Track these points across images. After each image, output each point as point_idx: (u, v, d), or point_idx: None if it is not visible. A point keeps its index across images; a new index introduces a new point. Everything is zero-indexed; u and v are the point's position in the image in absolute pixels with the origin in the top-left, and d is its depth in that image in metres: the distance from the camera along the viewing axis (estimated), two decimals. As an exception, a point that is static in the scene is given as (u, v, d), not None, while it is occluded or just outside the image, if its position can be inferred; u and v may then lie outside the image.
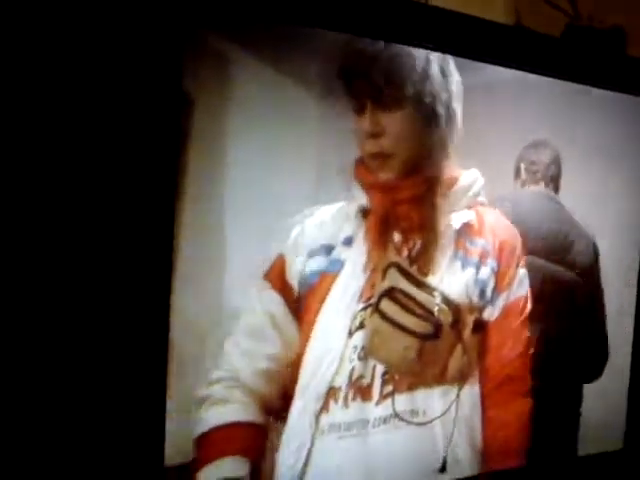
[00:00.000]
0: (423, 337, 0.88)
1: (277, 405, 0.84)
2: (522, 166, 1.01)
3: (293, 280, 0.85)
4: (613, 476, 1.09)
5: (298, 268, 0.86)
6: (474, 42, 0.90)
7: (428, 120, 0.89)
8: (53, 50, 0.67)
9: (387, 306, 0.87)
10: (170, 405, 0.74)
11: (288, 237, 0.84)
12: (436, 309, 0.89)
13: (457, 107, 0.91)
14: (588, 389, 1.04)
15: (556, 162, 1.01)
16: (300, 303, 0.86)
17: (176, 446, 0.75)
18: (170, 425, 0.74)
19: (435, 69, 0.88)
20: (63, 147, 0.68)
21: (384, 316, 0.87)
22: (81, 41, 0.67)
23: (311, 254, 0.86)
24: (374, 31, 0.82)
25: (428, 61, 0.88)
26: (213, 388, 0.80)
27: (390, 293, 0.87)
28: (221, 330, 0.79)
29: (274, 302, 0.84)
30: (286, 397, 0.84)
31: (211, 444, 0.79)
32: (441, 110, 0.89)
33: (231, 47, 0.75)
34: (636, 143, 1.09)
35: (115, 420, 0.70)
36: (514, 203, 0.99)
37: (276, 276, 0.85)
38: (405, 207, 0.89)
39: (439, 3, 0.96)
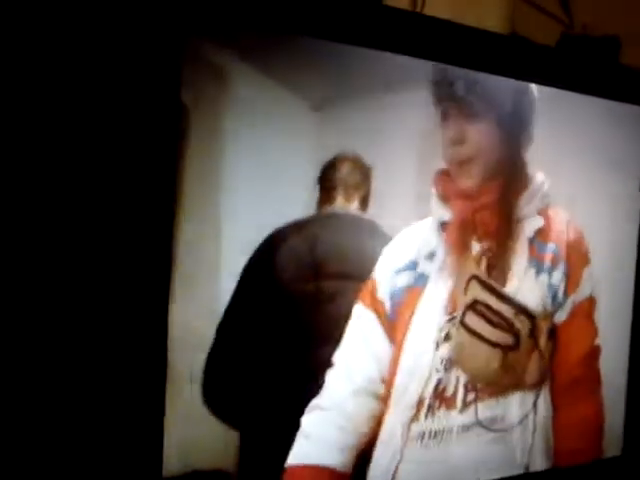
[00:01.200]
0: (505, 348, 0.91)
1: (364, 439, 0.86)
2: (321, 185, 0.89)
3: (383, 294, 0.88)
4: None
5: (387, 284, 0.88)
6: (470, 52, 0.91)
7: (508, 131, 0.93)
8: (50, 58, 0.67)
9: (471, 319, 0.90)
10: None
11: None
12: (515, 319, 0.92)
13: (533, 118, 0.95)
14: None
15: (364, 178, 0.91)
16: (391, 319, 0.88)
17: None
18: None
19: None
20: (61, 154, 0.68)
21: (469, 329, 0.90)
22: (79, 50, 0.67)
23: (399, 271, 0.89)
24: (369, 40, 0.82)
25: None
26: (311, 417, 0.82)
27: (473, 306, 0.90)
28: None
29: (368, 318, 0.87)
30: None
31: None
32: (520, 121, 0.94)
33: (228, 56, 0.75)
34: (628, 149, 1.10)
35: (113, 425, 0.70)
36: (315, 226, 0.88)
37: (367, 296, 0.87)
38: (483, 214, 0.92)
39: (434, 13, 0.97)
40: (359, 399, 0.86)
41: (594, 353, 1.02)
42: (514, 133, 0.94)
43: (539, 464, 0.96)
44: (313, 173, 0.83)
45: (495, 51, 0.94)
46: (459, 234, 0.91)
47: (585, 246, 1.01)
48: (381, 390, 0.88)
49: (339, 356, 0.84)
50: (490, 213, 0.92)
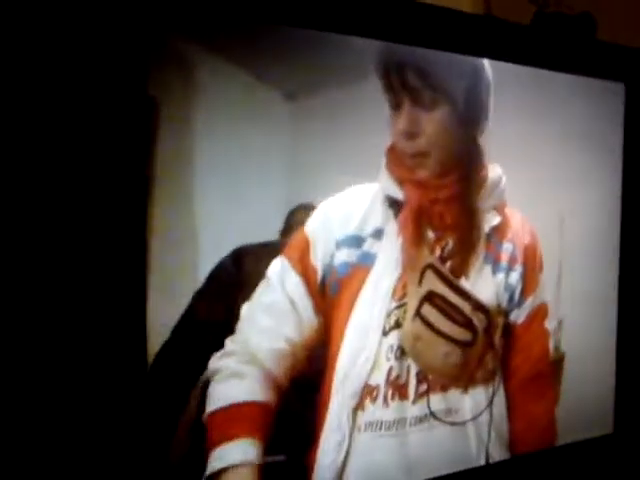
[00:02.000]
0: (462, 344, 0.90)
1: (287, 389, 0.84)
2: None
3: (317, 263, 0.85)
4: (604, 461, 1.09)
5: (325, 254, 0.85)
6: (444, 33, 0.89)
7: (464, 120, 0.90)
8: (16, 54, 0.65)
9: (428, 312, 0.88)
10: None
11: (314, 219, 0.83)
12: (473, 315, 0.91)
13: (489, 103, 0.93)
14: (575, 374, 1.04)
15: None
16: (329, 292, 0.86)
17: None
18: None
19: (471, 66, 0.91)
20: (26, 152, 0.66)
21: (426, 322, 0.88)
22: (46, 45, 0.66)
23: (340, 244, 0.86)
24: (339, 25, 0.81)
25: (465, 59, 0.90)
26: (227, 361, 0.79)
27: (430, 298, 0.89)
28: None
29: (295, 285, 0.84)
30: (296, 382, 0.84)
31: (225, 422, 0.79)
32: (477, 108, 0.91)
33: (197, 48, 0.73)
34: (606, 125, 1.10)
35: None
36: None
37: (298, 257, 0.84)
38: (440, 206, 0.90)
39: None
40: (275, 355, 0.82)
41: (548, 352, 1.02)
42: (472, 122, 0.92)
43: (497, 457, 0.96)
44: (287, 162, 0.82)
45: (470, 32, 0.93)
46: (414, 221, 0.88)
47: (540, 251, 1.00)
48: (300, 355, 0.84)
49: (259, 306, 0.81)
50: (447, 206, 0.90)
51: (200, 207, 0.75)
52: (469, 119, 0.91)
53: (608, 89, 1.10)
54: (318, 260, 0.85)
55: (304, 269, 0.84)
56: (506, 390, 0.96)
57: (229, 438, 0.79)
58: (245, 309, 0.80)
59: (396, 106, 0.87)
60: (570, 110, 1.05)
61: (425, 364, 0.89)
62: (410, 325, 0.88)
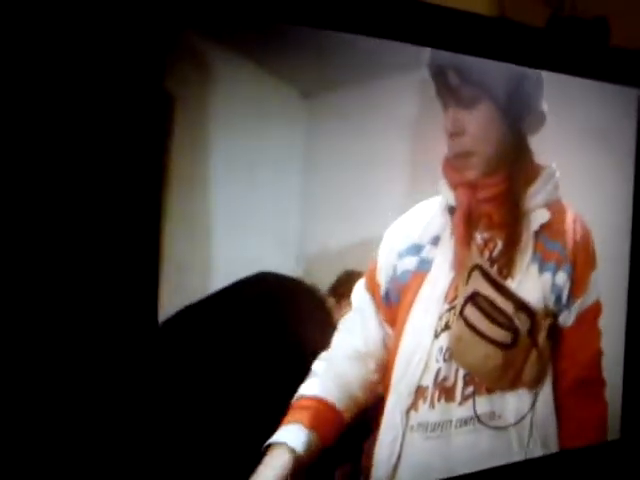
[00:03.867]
0: (503, 346, 0.90)
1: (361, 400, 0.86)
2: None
3: (381, 278, 0.87)
4: (611, 467, 1.08)
5: (388, 268, 0.87)
6: (459, 36, 0.89)
7: (509, 117, 0.90)
8: (33, 49, 0.66)
9: (471, 312, 0.89)
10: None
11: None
12: (515, 316, 0.90)
13: (539, 101, 0.93)
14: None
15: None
16: (392, 301, 0.87)
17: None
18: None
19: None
20: (43, 147, 0.67)
21: (467, 323, 0.89)
22: (64, 40, 0.66)
23: (402, 254, 0.88)
24: (356, 26, 0.81)
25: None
26: (317, 363, 0.82)
27: (474, 299, 0.89)
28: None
29: (366, 302, 0.86)
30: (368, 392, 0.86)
31: (293, 410, 0.80)
32: (521, 103, 0.91)
33: (214, 45, 0.74)
34: (620, 131, 1.09)
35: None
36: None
37: (369, 277, 0.86)
38: (488, 205, 0.90)
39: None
40: (348, 363, 0.85)
41: (599, 357, 1.02)
42: (518, 119, 0.92)
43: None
44: (303, 159, 0.82)
45: (484, 34, 0.93)
46: (463, 223, 0.89)
47: (592, 248, 0.99)
48: (371, 365, 0.86)
49: (342, 323, 0.84)
50: (495, 205, 0.91)
51: (215, 202, 0.75)
52: (513, 115, 0.91)
53: (622, 94, 1.09)
54: (382, 275, 0.87)
55: (372, 286, 0.86)
56: (555, 395, 0.96)
57: (289, 421, 0.80)
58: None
59: (444, 109, 0.88)
60: (585, 115, 1.05)
61: (467, 365, 0.89)
62: (454, 326, 0.89)
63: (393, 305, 0.88)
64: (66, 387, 0.67)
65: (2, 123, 0.64)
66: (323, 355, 0.83)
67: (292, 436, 0.80)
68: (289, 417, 0.80)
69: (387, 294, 0.87)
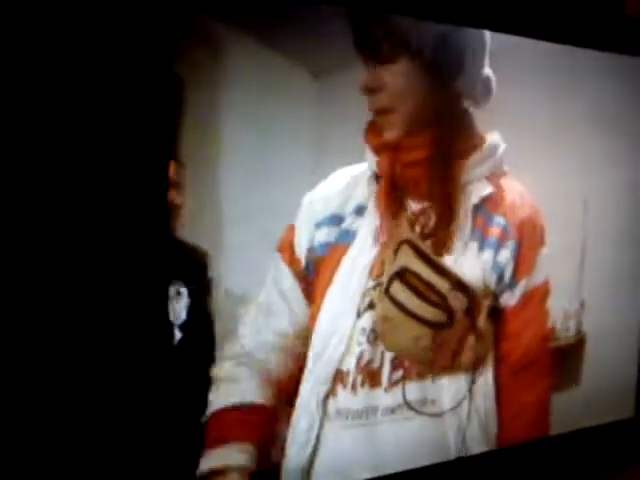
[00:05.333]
0: (436, 326, 0.82)
1: (287, 384, 0.80)
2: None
3: (300, 252, 0.80)
4: (626, 444, 1.07)
5: (306, 239, 0.80)
6: (471, 10, 0.87)
7: (435, 75, 0.82)
8: (44, 36, 0.65)
9: (398, 290, 0.81)
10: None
11: (298, 207, 0.79)
12: (449, 294, 0.83)
13: (476, 63, 0.85)
14: (597, 357, 1.02)
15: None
16: (308, 276, 0.81)
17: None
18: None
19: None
20: (53, 134, 0.67)
21: (394, 301, 0.81)
22: (74, 25, 0.66)
23: (320, 224, 0.81)
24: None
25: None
26: (224, 366, 0.76)
27: (402, 275, 0.81)
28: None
29: (283, 275, 0.80)
30: (295, 376, 0.80)
31: (218, 427, 0.75)
32: (451, 65, 0.83)
33: (224, 27, 0.73)
34: (634, 103, 1.07)
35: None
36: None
37: (286, 248, 0.80)
38: (414, 170, 0.82)
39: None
40: (273, 353, 0.79)
41: (546, 338, 0.93)
42: (448, 79, 0.83)
43: (476, 450, 0.88)
44: (314, 140, 0.81)
45: (492, 5, 0.91)
46: (387, 191, 0.81)
47: (541, 225, 0.90)
48: (297, 348, 0.80)
49: (256, 306, 0.78)
50: (422, 171, 0.82)
51: (225, 185, 0.74)
52: (441, 73, 0.82)
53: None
54: (302, 246, 0.80)
55: (291, 259, 0.80)
56: (496, 378, 0.87)
57: (221, 442, 0.75)
58: (243, 312, 0.77)
59: (364, 63, 0.80)
60: (600, 88, 1.01)
61: (395, 347, 0.82)
62: (379, 305, 0.81)
63: (310, 280, 0.81)
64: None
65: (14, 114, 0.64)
66: (231, 353, 0.76)
67: (238, 456, 0.76)
68: (221, 435, 0.75)
69: (306, 267, 0.81)
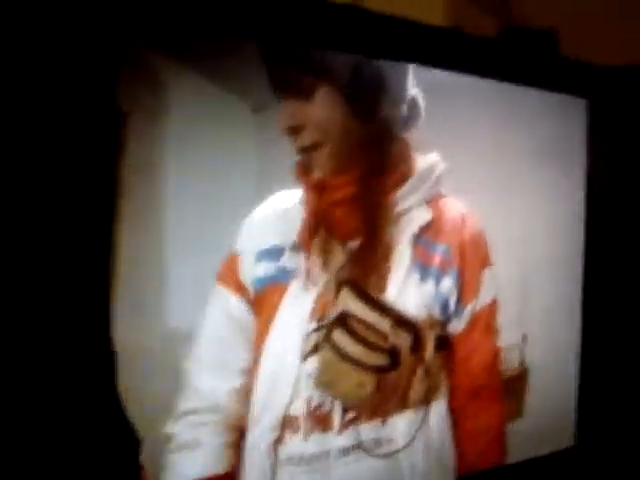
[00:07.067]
0: (379, 370, 0.80)
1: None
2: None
3: (247, 280, 0.78)
4: (569, 473, 1.09)
5: (250, 269, 0.77)
6: (412, 45, 0.89)
7: (358, 103, 0.78)
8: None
9: (339, 337, 0.78)
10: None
11: (239, 234, 0.76)
12: (393, 334, 0.80)
13: (402, 87, 0.81)
14: (539, 388, 1.05)
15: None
16: (252, 312, 0.78)
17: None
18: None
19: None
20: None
21: (336, 349, 0.78)
22: (15, 52, 0.63)
23: (260, 257, 0.77)
24: (308, 38, 0.78)
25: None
26: (180, 425, 0.73)
27: (342, 320, 0.79)
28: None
29: (236, 306, 0.77)
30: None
31: None
32: (375, 91, 0.79)
33: (167, 61, 0.72)
34: (571, 141, 1.11)
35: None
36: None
37: (230, 276, 0.76)
38: (344, 209, 0.79)
39: (375, 7, 0.95)
40: (235, 395, 0.76)
41: (496, 358, 0.91)
42: (371, 107, 0.79)
43: None
44: (255, 172, 0.80)
45: (437, 44, 0.93)
46: (316, 231, 0.78)
47: (485, 244, 0.87)
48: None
49: (203, 351, 0.74)
50: (351, 207, 0.79)
51: (168, 218, 0.73)
52: (363, 102, 0.79)
53: (572, 104, 1.11)
54: (247, 275, 0.77)
55: (238, 287, 0.77)
56: (450, 408, 0.85)
57: None
58: (189, 361, 0.75)
59: (281, 101, 0.77)
60: (535, 124, 1.05)
61: (339, 395, 0.79)
62: (322, 353, 0.78)
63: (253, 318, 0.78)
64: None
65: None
66: (188, 409, 0.73)
67: None
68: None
69: (255, 298, 0.78)
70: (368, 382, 0.79)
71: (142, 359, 0.70)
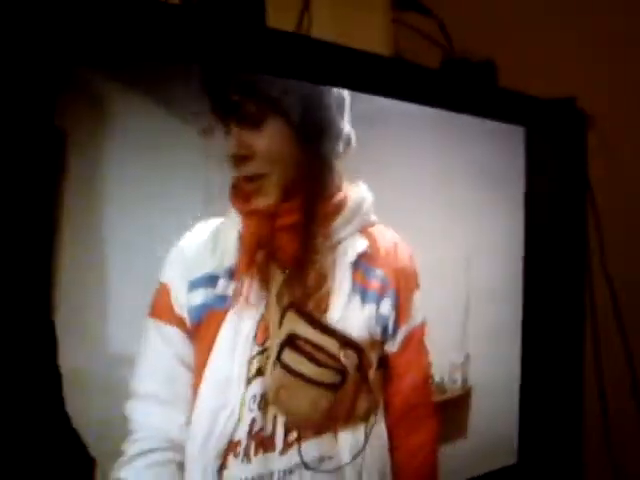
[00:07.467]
0: (332, 387, 0.82)
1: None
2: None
3: (182, 311, 0.77)
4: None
5: (183, 299, 0.77)
6: (355, 74, 0.90)
7: (303, 135, 0.80)
8: None
9: (290, 357, 0.80)
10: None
11: (168, 263, 0.76)
12: (341, 353, 0.82)
13: (341, 122, 0.84)
14: (481, 409, 1.07)
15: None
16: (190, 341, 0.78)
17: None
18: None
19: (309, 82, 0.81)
20: None
21: (288, 369, 0.80)
22: None
23: (194, 285, 0.77)
24: (253, 64, 0.79)
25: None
26: (132, 469, 0.72)
27: (291, 342, 0.80)
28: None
29: (170, 335, 0.77)
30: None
31: None
32: (318, 125, 0.82)
33: (110, 84, 0.72)
34: (510, 167, 1.15)
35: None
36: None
37: (163, 308, 0.76)
38: (285, 236, 0.81)
39: (320, 35, 0.98)
40: (186, 428, 0.76)
41: (427, 376, 0.94)
42: (316, 138, 0.81)
43: None
44: (201, 198, 0.80)
45: (380, 73, 0.95)
46: (256, 257, 0.79)
47: (415, 269, 0.91)
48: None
49: (147, 387, 0.74)
50: (291, 235, 0.81)
51: (109, 241, 0.72)
52: (308, 135, 0.81)
53: (511, 132, 1.15)
54: (182, 306, 0.77)
55: (173, 318, 0.77)
56: (387, 425, 0.88)
57: None
58: (133, 400, 0.74)
59: (225, 129, 0.78)
60: (477, 151, 1.08)
61: (292, 413, 0.80)
62: (272, 373, 0.79)
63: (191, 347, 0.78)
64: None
65: None
66: (137, 452, 0.73)
67: None
68: None
69: (191, 328, 0.78)
70: (321, 399, 0.81)
71: (85, 382, 0.69)
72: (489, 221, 1.11)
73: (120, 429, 0.74)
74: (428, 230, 0.99)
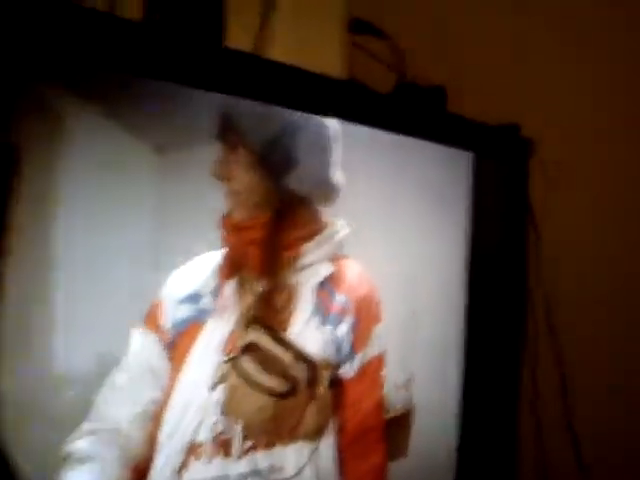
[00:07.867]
0: (279, 396, 0.88)
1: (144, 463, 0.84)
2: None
3: (166, 325, 0.87)
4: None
5: (170, 314, 0.88)
6: (307, 95, 0.92)
7: (267, 168, 0.89)
8: None
9: (246, 363, 0.87)
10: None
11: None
12: (293, 366, 0.89)
13: (317, 167, 0.92)
14: (420, 427, 1.08)
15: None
16: (170, 351, 0.87)
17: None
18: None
19: (278, 118, 0.90)
20: None
21: (242, 373, 0.87)
22: None
23: (181, 301, 0.88)
24: (210, 83, 0.81)
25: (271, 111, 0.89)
26: (79, 443, 0.79)
27: (250, 349, 0.88)
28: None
29: (152, 344, 0.87)
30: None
31: None
32: (282, 159, 0.89)
33: (65, 99, 0.71)
34: (456, 190, 1.18)
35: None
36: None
37: (153, 321, 0.87)
38: (254, 250, 0.90)
39: (275, 57, 0.98)
40: (137, 422, 0.85)
41: (380, 405, 0.98)
42: (279, 172, 0.90)
43: None
44: (156, 215, 0.81)
45: (333, 96, 0.97)
46: (231, 269, 0.90)
47: (377, 303, 0.97)
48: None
49: (115, 381, 0.83)
50: (260, 251, 0.90)
51: (58, 258, 0.71)
52: (272, 169, 0.90)
53: (459, 156, 1.18)
54: (167, 320, 0.87)
55: (157, 329, 0.87)
56: (336, 446, 0.92)
57: None
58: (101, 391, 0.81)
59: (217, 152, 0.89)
60: (423, 174, 1.11)
61: (241, 416, 0.87)
62: (230, 378, 0.87)
63: (170, 356, 0.88)
64: None
65: None
66: (95, 417, 0.80)
67: None
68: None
69: (171, 342, 0.88)
70: (267, 406, 0.87)
71: (24, 402, 0.68)
72: (435, 242, 1.14)
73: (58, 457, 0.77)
74: (373, 248, 1.02)
